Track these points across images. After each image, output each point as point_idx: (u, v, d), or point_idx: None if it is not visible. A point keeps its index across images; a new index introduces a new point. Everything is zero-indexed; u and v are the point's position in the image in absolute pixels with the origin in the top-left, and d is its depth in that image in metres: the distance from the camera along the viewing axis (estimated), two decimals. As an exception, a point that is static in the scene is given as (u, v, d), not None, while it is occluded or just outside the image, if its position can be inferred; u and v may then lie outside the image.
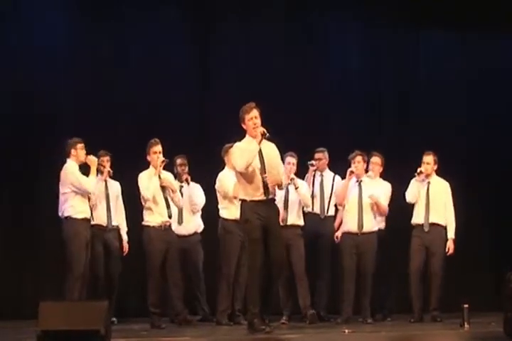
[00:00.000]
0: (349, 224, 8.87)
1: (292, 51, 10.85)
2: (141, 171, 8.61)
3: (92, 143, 8.85)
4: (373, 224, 8.90)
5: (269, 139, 7.40)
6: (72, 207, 8.45)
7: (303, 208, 9.07)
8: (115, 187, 9.21)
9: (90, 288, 8.61)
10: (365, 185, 8.92)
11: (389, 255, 9.05)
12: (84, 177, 8.52)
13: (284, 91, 10.59)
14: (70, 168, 8.52)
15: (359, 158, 8.87)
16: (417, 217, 9.10)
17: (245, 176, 7.35)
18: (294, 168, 8.90)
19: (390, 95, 11.25)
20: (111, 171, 9.09)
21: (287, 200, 8.90)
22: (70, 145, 8.61)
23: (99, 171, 8.95)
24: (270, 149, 7.49)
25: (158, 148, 8.48)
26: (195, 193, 9.37)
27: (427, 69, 11.40)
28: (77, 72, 10.13)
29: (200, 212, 9.45)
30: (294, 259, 8.80)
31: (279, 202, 8.55)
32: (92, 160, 8.66)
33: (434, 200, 9.06)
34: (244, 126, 7.39)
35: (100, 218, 8.97)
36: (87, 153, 8.63)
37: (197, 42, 10.70)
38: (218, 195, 8.88)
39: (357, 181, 8.92)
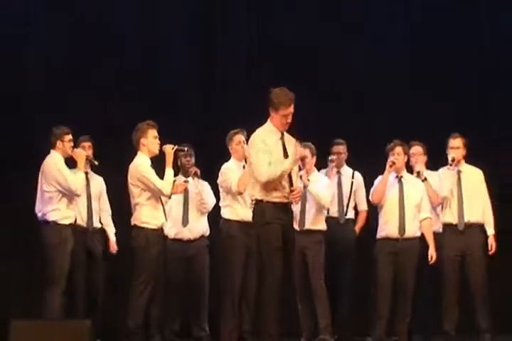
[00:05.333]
0: (389, 228, 7.80)
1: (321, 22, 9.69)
2: (129, 162, 7.43)
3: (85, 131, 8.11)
4: (416, 227, 7.84)
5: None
6: (57, 210, 7.48)
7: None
8: (98, 182, 8.25)
9: (69, 304, 7.73)
10: (407, 181, 7.89)
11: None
12: (71, 174, 7.53)
13: (304, 70, 9.48)
14: (55, 161, 7.53)
15: (399, 149, 7.84)
16: (449, 215, 7.86)
17: None
18: (307, 161, 7.99)
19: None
20: (94, 161, 8.02)
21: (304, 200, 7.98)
22: (56, 135, 7.62)
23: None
24: (291, 142, 6.61)
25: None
26: (206, 190, 8.37)
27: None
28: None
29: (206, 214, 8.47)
30: (310, 271, 8.01)
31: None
32: (80, 154, 7.69)
33: (468, 193, 7.84)
34: (271, 112, 6.55)
35: (81, 218, 8.00)
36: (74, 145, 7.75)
37: (202, 19, 9.79)
38: (221, 190, 8.06)
39: (396, 177, 7.91)
